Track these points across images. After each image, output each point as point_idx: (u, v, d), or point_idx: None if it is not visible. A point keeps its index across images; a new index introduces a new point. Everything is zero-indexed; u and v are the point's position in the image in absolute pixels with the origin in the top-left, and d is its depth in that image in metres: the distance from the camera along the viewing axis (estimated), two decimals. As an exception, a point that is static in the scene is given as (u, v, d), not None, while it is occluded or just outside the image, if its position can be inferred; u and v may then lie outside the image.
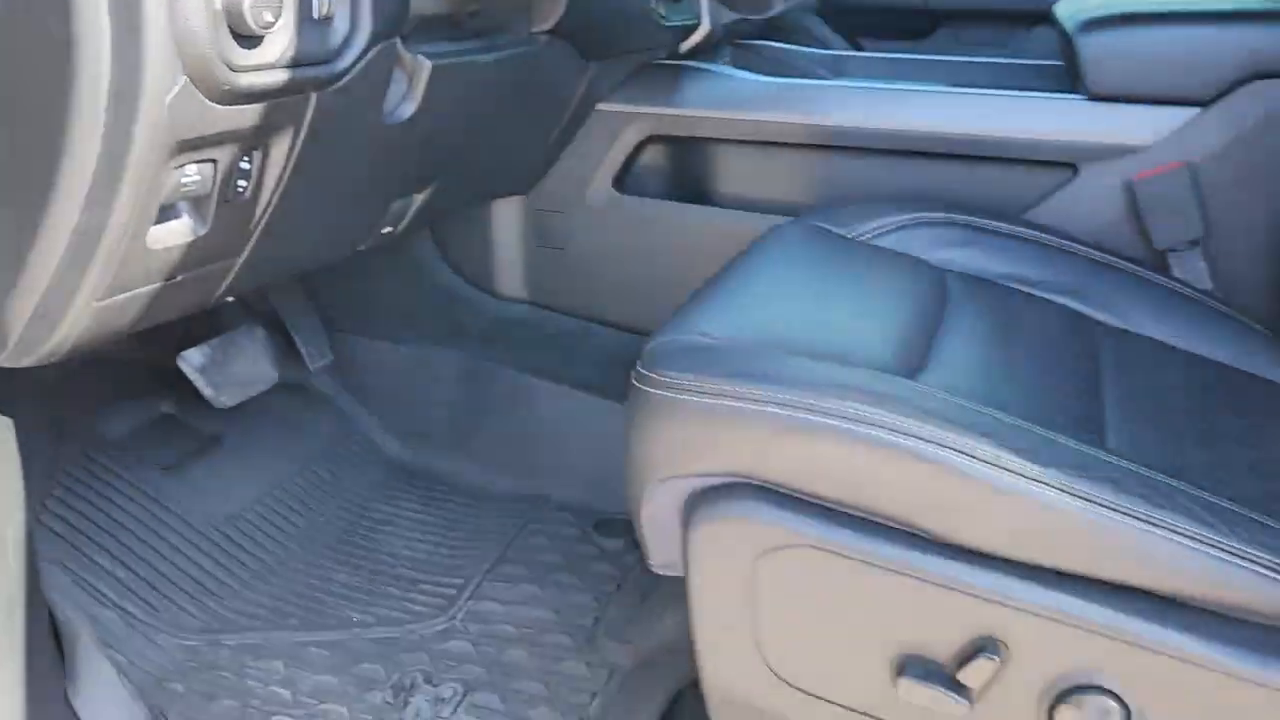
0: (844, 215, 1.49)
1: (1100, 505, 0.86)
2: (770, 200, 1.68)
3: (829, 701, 0.95)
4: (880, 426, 0.89)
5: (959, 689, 0.89)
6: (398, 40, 1.12)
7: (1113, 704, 0.85)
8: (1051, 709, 0.87)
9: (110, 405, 1.65)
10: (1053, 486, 0.86)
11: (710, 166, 1.72)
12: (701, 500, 0.96)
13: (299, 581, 1.51)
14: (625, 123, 1.69)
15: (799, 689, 0.96)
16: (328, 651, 1.38)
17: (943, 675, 0.90)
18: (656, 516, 1.00)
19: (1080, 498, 0.86)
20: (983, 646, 0.88)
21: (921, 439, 0.88)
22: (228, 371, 1.52)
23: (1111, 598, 0.86)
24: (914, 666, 0.91)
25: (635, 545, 1.59)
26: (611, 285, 1.77)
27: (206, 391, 1.49)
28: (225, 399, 1.51)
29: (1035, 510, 0.87)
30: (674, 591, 1.41)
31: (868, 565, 0.90)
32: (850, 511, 0.91)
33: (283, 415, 1.77)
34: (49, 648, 1.19)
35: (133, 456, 1.57)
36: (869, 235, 1.46)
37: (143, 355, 1.72)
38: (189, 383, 1.70)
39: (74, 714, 1.20)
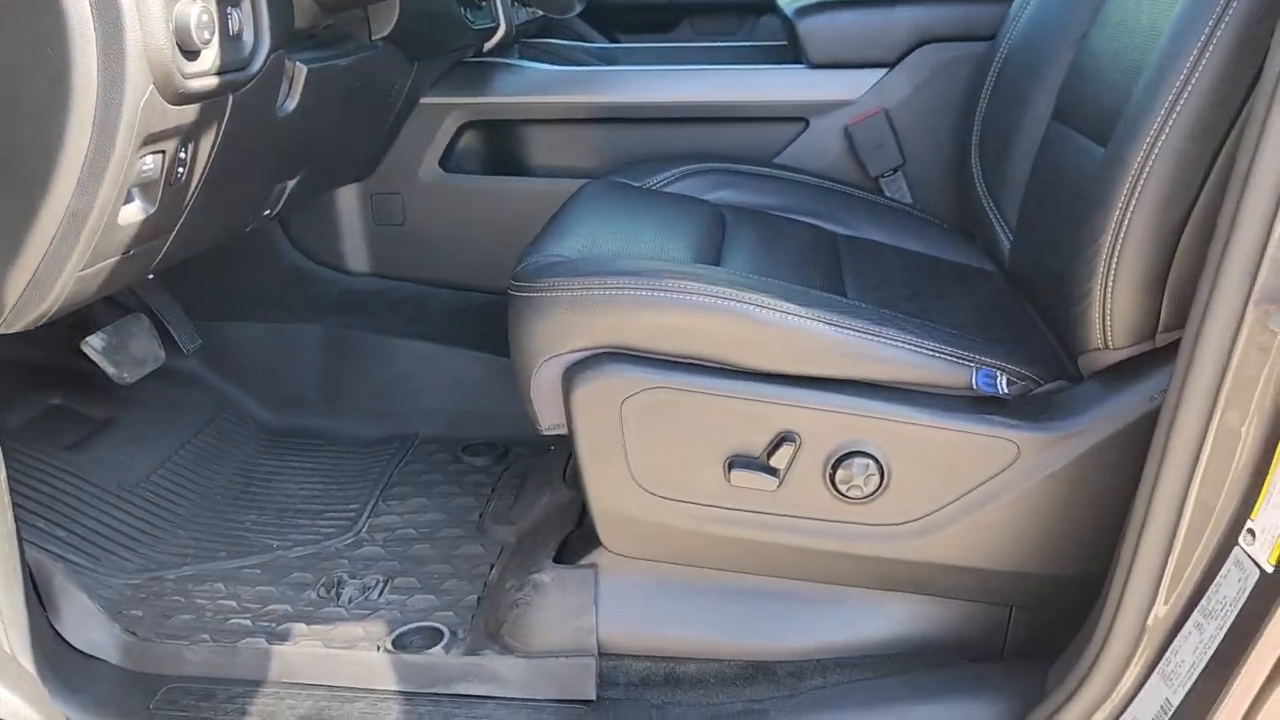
0: (635, 171, 1.88)
1: (844, 329, 1.27)
2: (572, 167, 2.05)
3: (684, 501, 1.33)
4: (698, 294, 1.27)
5: (771, 470, 1.29)
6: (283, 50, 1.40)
7: (870, 461, 1.28)
8: (832, 473, 1.28)
9: (2, 401, 1.81)
10: (815, 321, 1.27)
11: (520, 144, 2.07)
12: (576, 370, 1.31)
13: (216, 525, 1.74)
14: (445, 112, 2.01)
15: (661, 496, 1.33)
16: (259, 570, 1.63)
17: (759, 464, 1.29)
18: (543, 390, 1.34)
19: (832, 325, 1.27)
20: (784, 438, 1.28)
21: (727, 299, 1.27)
22: (125, 353, 1.72)
23: (862, 390, 1.28)
24: (740, 462, 1.30)
25: (499, 460, 1.93)
26: (446, 252, 2.08)
27: (110, 370, 1.69)
28: (127, 376, 1.71)
29: (805, 339, 1.27)
30: (541, 482, 1.76)
31: (700, 395, 1.28)
32: (683, 359, 1.29)
33: (163, 398, 1.97)
34: (30, 585, 1.39)
35: (39, 440, 1.75)
36: (657, 185, 1.86)
37: (24, 355, 1.88)
38: (72, 377, 1.89)
39: (60, 637, 1.41)
